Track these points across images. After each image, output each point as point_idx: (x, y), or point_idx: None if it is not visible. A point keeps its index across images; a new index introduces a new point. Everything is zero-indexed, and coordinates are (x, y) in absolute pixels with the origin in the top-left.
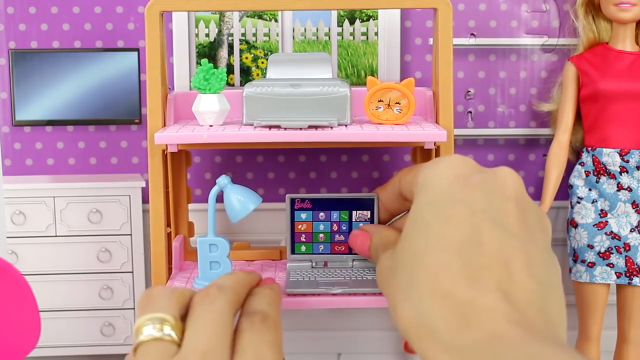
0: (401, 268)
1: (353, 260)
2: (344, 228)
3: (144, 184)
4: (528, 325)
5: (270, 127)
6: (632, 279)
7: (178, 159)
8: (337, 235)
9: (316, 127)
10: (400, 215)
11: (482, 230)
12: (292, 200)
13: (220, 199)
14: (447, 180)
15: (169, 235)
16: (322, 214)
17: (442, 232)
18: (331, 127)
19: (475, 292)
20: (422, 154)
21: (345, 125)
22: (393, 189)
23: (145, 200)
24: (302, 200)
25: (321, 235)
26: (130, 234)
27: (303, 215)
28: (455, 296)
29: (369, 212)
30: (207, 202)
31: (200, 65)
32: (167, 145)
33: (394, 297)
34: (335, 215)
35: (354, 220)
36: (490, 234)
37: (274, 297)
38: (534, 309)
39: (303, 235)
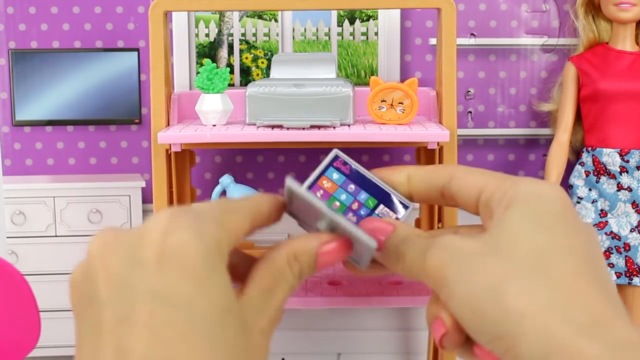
0: (506, 255)
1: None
2: (362, 212)
3: (144, 184)
4: None
5: (272, 126)
6: (632, 279)
7: (182, 159)
8: (350, 214)
9: (319, 127)
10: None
11: (599, 258)
12: (336, 157)
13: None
14: (563, 202)
15: None
16: (352, 186)
17: (569, 242)
18: (334, 127)
19: (605, 301)
20: (426, 154)
21: (348, 125)
22: (431, 179)
23: (145, 200)
24: (345, 163)
25: (337, 203)
26: None
27: (335, 176)
28: (590, 301)
29: (395, 215)
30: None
31: (201, 65)
32: (170, 145)
33: (490, 279)
34: (363, 196)
35: (376, 212)
36: (603, 262)
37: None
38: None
39: (321, 191)
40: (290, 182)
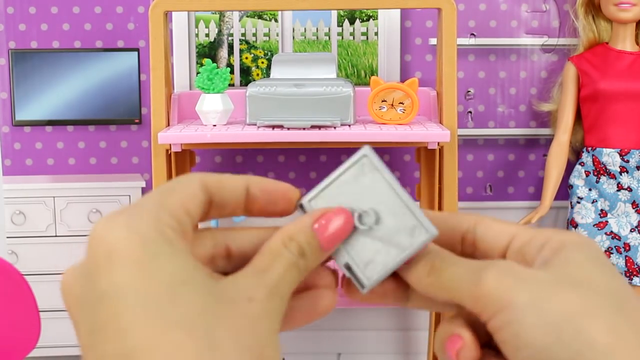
0: (585, 289)
1: None
2: None
3: (144, 184)
4: None
5: (273, 127)
6: (632, 279)
7: (182, 159)
8: None
9: (319, 127)
10: None
11: None
12: (364, 156)
13: None
14: (603, 251)
15: None
16: None
17: (628, 285)
18: (334, 127)
19: None
20: (426, 154)
21: (349, 125)
22: (454, 222)
23: None
24: None
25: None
26: None
27: None
28: None
29: None
30: None
31: (202, 65)
32: (170, 145)
33: (570, 309)
34: None
35: None
36: None
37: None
38: None
39: None
40: (368, 149)
